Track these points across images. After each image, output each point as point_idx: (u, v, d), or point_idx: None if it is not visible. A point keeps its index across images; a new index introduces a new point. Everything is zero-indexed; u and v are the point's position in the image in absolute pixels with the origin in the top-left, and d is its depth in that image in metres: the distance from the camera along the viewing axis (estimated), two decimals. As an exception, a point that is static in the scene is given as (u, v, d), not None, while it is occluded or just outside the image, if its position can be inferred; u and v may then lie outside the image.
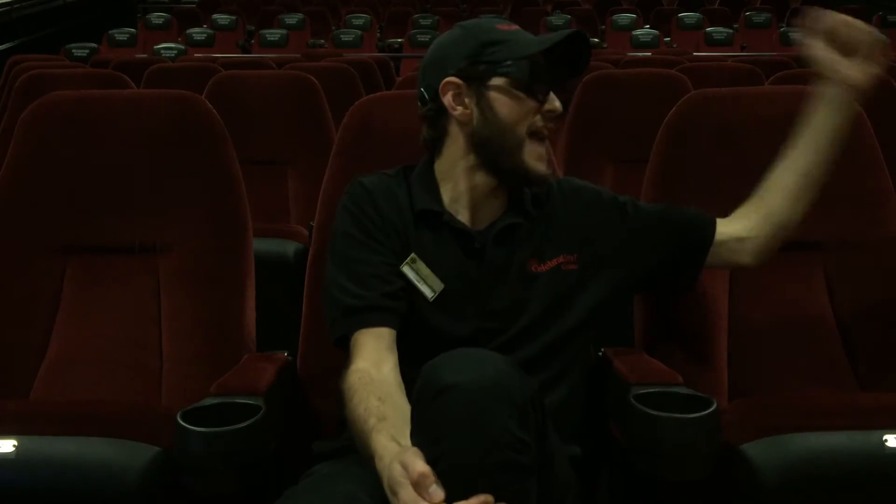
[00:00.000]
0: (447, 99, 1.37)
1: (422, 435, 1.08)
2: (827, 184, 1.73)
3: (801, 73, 3.32)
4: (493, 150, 1.37)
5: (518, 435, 1.05)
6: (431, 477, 1.00)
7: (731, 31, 8.51)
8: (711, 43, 8.15)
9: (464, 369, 1.07)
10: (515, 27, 1.42)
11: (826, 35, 1.41)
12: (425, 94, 1.41)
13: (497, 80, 1.36)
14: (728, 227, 1.49)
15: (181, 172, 1.75)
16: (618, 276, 1.45)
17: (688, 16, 8.82)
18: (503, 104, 1.35)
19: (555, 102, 1.37)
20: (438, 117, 1.40)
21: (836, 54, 1.40)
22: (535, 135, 1.37)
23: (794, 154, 1.46)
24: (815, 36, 1.41)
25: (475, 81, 1.36)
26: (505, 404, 1.05)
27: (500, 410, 1.04)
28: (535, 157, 1.37)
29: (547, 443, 1.15)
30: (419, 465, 1.01)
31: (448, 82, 1.37)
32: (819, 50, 1.41)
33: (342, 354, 1.35)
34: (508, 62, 1.35)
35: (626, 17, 8.80)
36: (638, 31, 8.29)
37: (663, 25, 8.77)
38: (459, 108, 1.37)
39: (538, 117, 1.37)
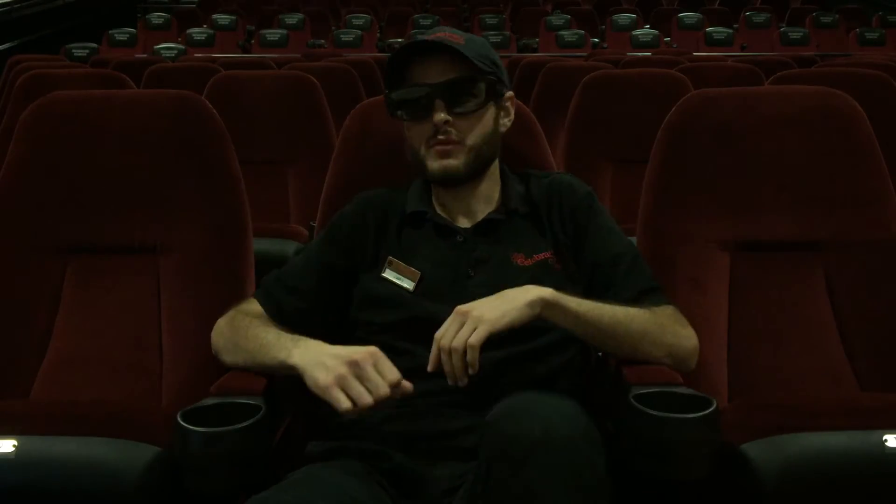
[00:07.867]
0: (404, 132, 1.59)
1: (512, 495, 1.09)
2: (827, 184, 1.74)
3: (802, 73, 3.32)
4: (416, 168, 1.54)
5: (606, 479, 1.12)
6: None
7: (731, 31, 8.51)
8: (711, 43, 8.15)
9: (545, 419, 1.10)
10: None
11: None
12: None
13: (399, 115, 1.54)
14: None
15: (181, 172, 1.75)
16: (584, 274, 1.49)
17: (688, 16, 8.82)
18: (408, 133, 1.54)
19: (437, 115, 1.47)
20: None
21: None
22: (433, 144, 1.50)
23: None
24: None
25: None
26: (597, 450, 1.12)
27: (596, 457, 1.11)
28: (433, 158, 1.50)
29: None
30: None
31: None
32: None
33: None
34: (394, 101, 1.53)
35: (626, 17, 8.79)
36: (638, 31, 8.29)
37: (663, 25, 8.76)
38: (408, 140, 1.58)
39: (431, 132, 1.49)
